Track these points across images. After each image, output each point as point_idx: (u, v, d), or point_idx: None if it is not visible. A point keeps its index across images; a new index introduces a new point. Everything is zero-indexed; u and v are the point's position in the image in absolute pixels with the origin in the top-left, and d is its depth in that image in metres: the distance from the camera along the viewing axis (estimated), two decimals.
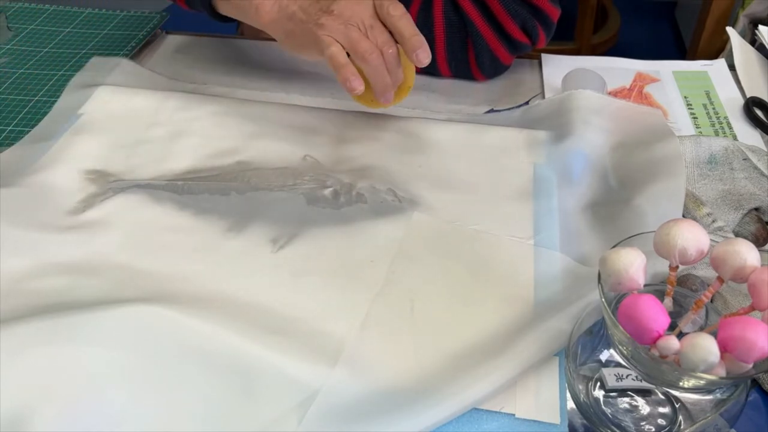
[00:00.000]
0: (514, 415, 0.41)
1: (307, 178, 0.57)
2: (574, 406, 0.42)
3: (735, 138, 0.64)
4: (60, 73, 0.74)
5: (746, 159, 0.57)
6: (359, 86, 0.53)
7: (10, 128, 0.66)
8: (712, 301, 0.41)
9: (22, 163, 0.58)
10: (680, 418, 0.40)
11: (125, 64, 0.71)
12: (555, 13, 0.67)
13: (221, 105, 0.65)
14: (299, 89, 0.69)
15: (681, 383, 0.35)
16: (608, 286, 0.36)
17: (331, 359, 0.43)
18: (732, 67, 0.74)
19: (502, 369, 0.41)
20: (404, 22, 0.53)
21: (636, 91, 0.71)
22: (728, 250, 0.36)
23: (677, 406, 0.41)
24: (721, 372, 0.33)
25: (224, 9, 0.63)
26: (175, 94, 0.66)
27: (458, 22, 0.67)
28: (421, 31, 0.68)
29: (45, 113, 0.65)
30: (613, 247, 0.38)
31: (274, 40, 0.77)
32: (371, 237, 0.52)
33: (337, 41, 0.53)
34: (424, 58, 0.53)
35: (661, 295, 0.37)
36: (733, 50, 0.74)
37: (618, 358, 0.39)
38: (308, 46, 0.55)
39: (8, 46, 0.79)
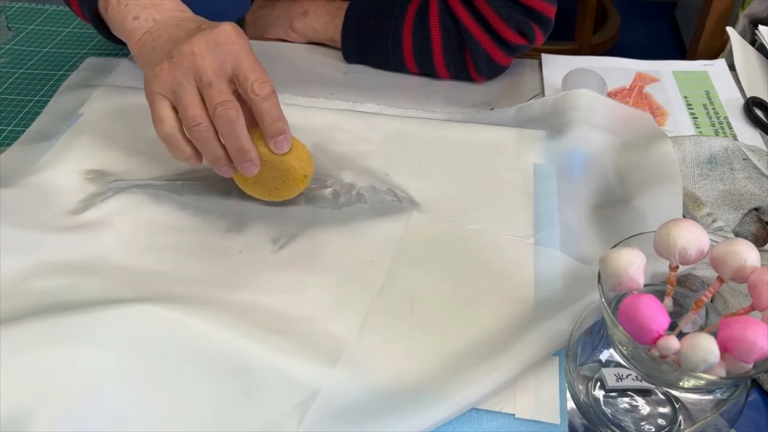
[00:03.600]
0: (514, 415, 0.41)
1: None
2: (574, 406, 0.42)
3: (735, 138, 0.64)
4: (60, 73, 0.74)
5: (746, 159, 0.57)
6: (191, 160, 0.48)
7: (10, 128, 0.66)
8: (712, 301, 0.41)
9: (22, 163, 0.58)
10: (680, 418, 0.40)
11: (125, 64, 0.71)
12: (551, 10, 0.66)
13: None
14: (298, 89, 0.69)
15: (681, 383, 0.35)
16: (608, 286, 0.36)
17: (332, 359, 0.43)
18: (732, 67, 0.74)
19: (502, 369, 0.41)
20: (267, 105, 0.46)
21: (636, 91, 0.71)
22: (728, 250, 0.36)
23: (677, 406, 0.41)
24: (721, 372, 0.33)
25: (111, 29, 0.54)
26: None
27: (454, 28, 0.67)
28: (418, 36, 0.68)
29: None
30: (613, 247, 0.38)
31: (276, 40, 0.77)
32: (371, 237, 0.52)
33: (168, 100, 0.46)
34: (284, 147, 0.48)
35: (661, 295, 0.37)
36: (733, 50, 0.74)
37: (618, 358, 0.39)
38: (146, 97, 0.47)
39: (8, 46, 0.79)
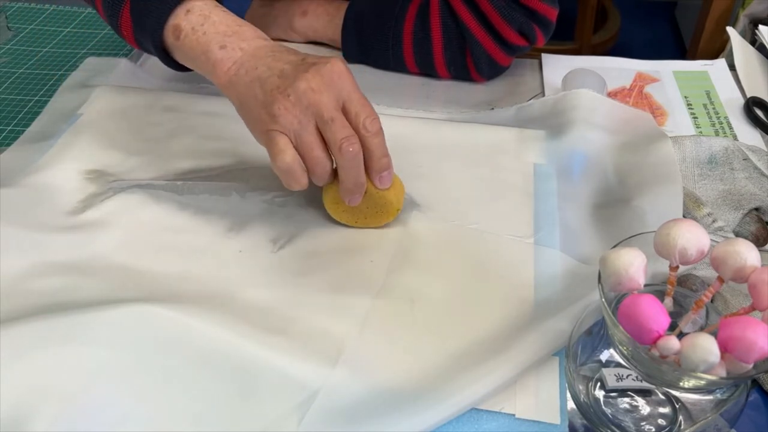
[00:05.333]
0: (514, 415, 0.41)
1: None
2: (574, 406, 0.42)
3: (735, 138, 0.64)
4: (60, 73, 0.74)
5: (746, 159, 0.57)
6: (304, 188, 0.47)
7: (10, 128, 0.66)
8: (712, 301, 0.41)
9: (22, 163, 0.58)
10: (680, 418, 0.40)
11: (125, 64, 0.71)
12: (553, 13, 0.66)
13: (220, 104, 0.65)
14: None
15: (681, 383, 0.35)
16: (608, 286, 0.36)
17: (332, 359, 0.43)
18: (732, 67, 0.74)
19: (502, 369, 0.41)
20: (378, 141, 0.47)
21: (636, 91, 0.71)
22: (728, 250, 0.36)
23: (677, 406, 0.41)
24: (722, 372, 0.33)
25: (181, 59, 0.52)
26: (174, 94, 0.66)
27: (455, 28, 0.67)
28: (418, 36, 0.68)
29: None
30: (613, 247, 0.38)
31: (275, 40, 0.77)
32: (371, 237, 0.52)
33: (288, 137, 0.46)
34: (387, 182, 0.49)
35: (661, 295, 0.37)
36: (734, 50, 0.74)
37: (618, 358, 0.39)
38: (257, 133, 0.48)
39: (8, 46, 0.79)
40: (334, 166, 0.48)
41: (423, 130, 0.62)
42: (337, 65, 0.47)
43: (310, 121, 0.45)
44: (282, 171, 0.46)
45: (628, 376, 0.41)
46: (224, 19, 0.49)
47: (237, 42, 0.49)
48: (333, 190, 0.50)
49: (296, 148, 0.46)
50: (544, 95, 0.69)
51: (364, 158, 0.47)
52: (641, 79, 0.73)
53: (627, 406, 0.41)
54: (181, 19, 0.49)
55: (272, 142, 0.46)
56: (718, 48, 1.10)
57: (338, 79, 0.46)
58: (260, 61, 0.47)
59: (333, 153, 0.46)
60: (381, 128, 0.48)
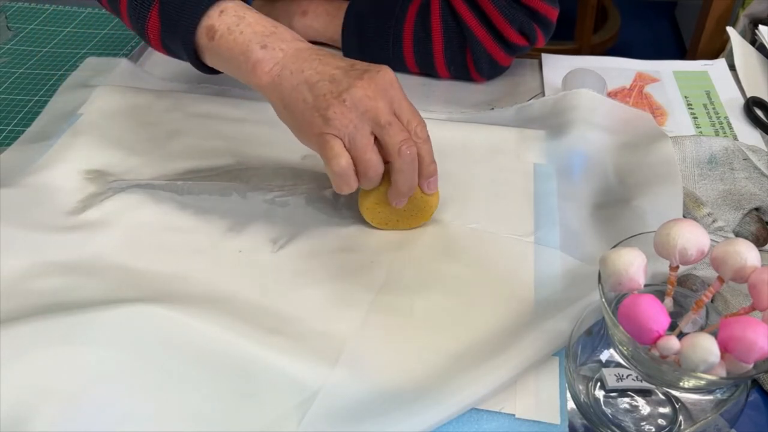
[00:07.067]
0: (514, 415, 0.41)
1: (306, 179, 0.57)
2: (574, 406, 0.42)
3: (735, 138, 0.64)
4: (60, 73, 0.74)
5: (746, 159, 0.57)
6: (353, 191, 0.48)
7: (10, 128, 0.66)
8: (712, 301, 0.41)
9: (22, 163, 0.58)
10: (680, 418, 0.40)
11: (125, 64, 0.71)
12: (553, 13, 0.66)
13: (220, 104, 0.65)
14: None
15: (681, 383, 0.35)
16: (608, 286, 0.36)
17: (331, 359, 0.43)
18: (732, 67, 0.74)
19: (502, 369, 0.41)
20: (427, 147, 0.49)
21: (636, 91, 0.71)
22: (728, 250, 0.36)
23: (677, 406, 0.41)
24: (722, 372, 0.33)
25: (212, 61, 0.51)
26: (174, 94, 0.66)
27: (456, 27, 0.67)
28: (419, 35, 0.68)
29: None
30: (613, 247, 0.38)
31: None
32: (371, 237, 0.52)
33: (341, 140, 0.46)
34: (433, 188, 0.51)
35: (661, 295, 0.37)
36: (734, 50, 0.74)
37: (618, 358, 0.39)
38: (307, 135, 0.48)
39: (8, 46, 0.79)
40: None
41: None
42: (388, 74, 0.47)
43: (365, 125, 0.46)
44: (336, 174, 0.47)
45: (628, 376, 0.41)
46: (259, 20, 0.49)
47: (277, 42, 0.48)
48: (377, 192, 0.50)
49: (348, 152, 0.46)
50: (544, 95, 0.69)
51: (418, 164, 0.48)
52: (641, 79, 0.73)
53: (627, 406, 0.41)
54: (215, 20, 0.49)
55: (327, 145, 0.46)
56: (718, 48, 1.10)
57: (390, 87, 0.47)
58: (305, 64, 0.47)
59: (391, 156, 0.47)
60: (429, 136, 0.49)
